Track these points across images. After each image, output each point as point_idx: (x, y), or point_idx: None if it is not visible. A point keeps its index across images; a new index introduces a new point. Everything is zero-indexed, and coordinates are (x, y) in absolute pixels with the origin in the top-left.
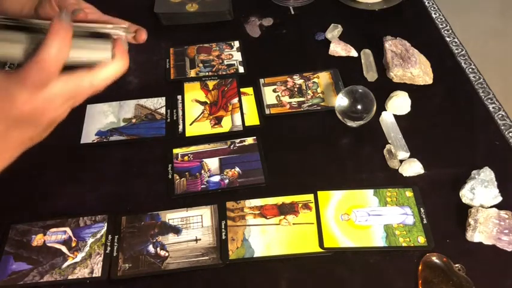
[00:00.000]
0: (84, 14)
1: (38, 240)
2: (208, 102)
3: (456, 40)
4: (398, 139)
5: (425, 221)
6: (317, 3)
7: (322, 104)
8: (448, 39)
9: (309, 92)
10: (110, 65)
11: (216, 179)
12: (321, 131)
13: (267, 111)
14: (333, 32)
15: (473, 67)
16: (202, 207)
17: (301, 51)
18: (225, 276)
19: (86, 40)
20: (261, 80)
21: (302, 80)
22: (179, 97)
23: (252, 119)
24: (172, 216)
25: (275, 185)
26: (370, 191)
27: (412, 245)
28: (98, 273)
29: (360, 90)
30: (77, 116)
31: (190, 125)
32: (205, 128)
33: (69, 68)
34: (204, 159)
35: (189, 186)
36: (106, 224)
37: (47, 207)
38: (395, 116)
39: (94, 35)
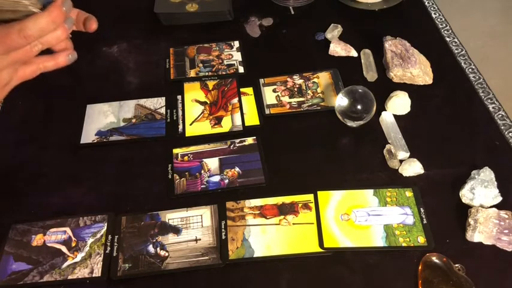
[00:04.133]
0: None
1: (38, 240)
2: (208, 102)
3: (456, 40)
4: (398, 139)
5: (425, 221)
6: (317, 3)
7: (322, 104)
8: (448, 39)
9: (309, 92)
10: (40, 15)
11: (216, 179)
12: (321, 131)
13: (267, 111)
14: (333, 32)
15: (473, 67)
16: (202, 207)
17: (301, 51)
18: (225, 276)
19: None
20: (261, 80)
21: (302, 80)
22: (179, 97)
23: (252, 119)
24: (172, 216)
25: (275, 185)
26: (370, 191)
27: (412, 245)
28: (97, 273)
29: (360, 90)
30: (77, 116)
31: (190, 125)
32: (205, 128)
33: None
34: (204, 159)
35: (188, 186)
36: (106, 224)
37: (47, 207)
38: (395, 116)
39: None
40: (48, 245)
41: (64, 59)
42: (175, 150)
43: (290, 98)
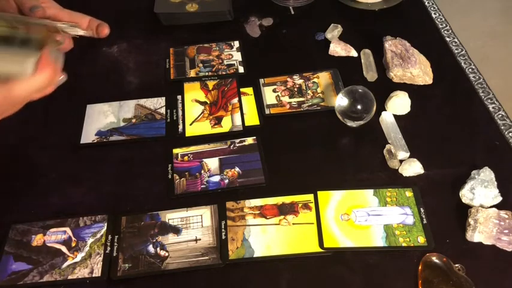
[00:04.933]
0: (42, 11)
1: (37, 240)
2: (208, 102)
3: (456, 40)
4: (398, 139)
5: (425, 221)
6: (317, 3)
7: (322, 104)
8: (448, 39)
9: (309, 92)
10: (30, 79)
11: (216, 179)
12: (321, 131)
13: (267, 111)
14: (333, 32)
15: (473, 67)
16: (202, 207)
17: (301, 51)
18: (225, 276)
19: (8, 51)
20: (261, 80)
21: (302, 80)
22: (179, 97)
23: (252, 119)
24: (172, 216)
25: (275, 185)
26: (370, 191)
27: (412, 245)
28: (97, 273)
29: (360, 90)
30: (77, 116)
31: (190, 125)
32: (205, 128)
33: None
34: (204, 159)
35: (188, 186)
36: (106, 224)
37: (47, 207)
38: (395, 116)
39: (25, 43)
40: (48, 245)
41: (52, 87)
42: (175, 150)
43: (290, 98)
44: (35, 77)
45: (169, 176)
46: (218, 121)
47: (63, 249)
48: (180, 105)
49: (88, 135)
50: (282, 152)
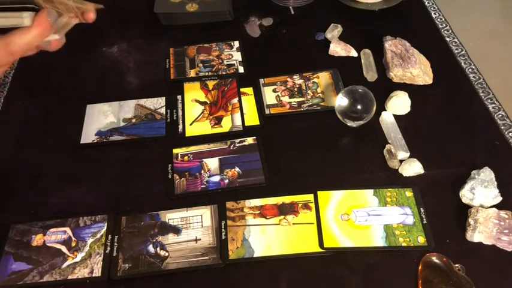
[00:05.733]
0: None
1: (37, 240)
2: (208, 102)
3: (456, 40)
4: (398, 139)
5: (425, 221)
6: (317, 3)
7: (322, 104)
8: (448, 39)
9: (309, 92)
10: (26, 29)
11: (216, 179)
12: (321, 131)
13: (267, 111)
14: (333, 32)
15: (473, 67)
16: (202, 207)
17: (301, 51)
18: (225, 276)
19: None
20: (261, 80)
21: (302, 80)
22: (179, 97)
23: (252, 119)
24: (172, 216)
25: (275, 185)
26: (370, 191)
27: (412, 245)
28: (97, 273)
29: (360, 90)
30: (77, 116)
31: (190, 125)
32: (205, 128)
33: None
34: (204, 159)
35: (188, 186)
36: (106, 224)
37: (47, 207)
38: (395, 116)
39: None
40: (48, 245)
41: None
42: (175, 150)
43: (290, 98)
44: (29, 30)
45: (169, 176)
46: (218, 121)
47: (63, 249)
48: (180, 105)
49: (88, 135)
50: (282, 152)
